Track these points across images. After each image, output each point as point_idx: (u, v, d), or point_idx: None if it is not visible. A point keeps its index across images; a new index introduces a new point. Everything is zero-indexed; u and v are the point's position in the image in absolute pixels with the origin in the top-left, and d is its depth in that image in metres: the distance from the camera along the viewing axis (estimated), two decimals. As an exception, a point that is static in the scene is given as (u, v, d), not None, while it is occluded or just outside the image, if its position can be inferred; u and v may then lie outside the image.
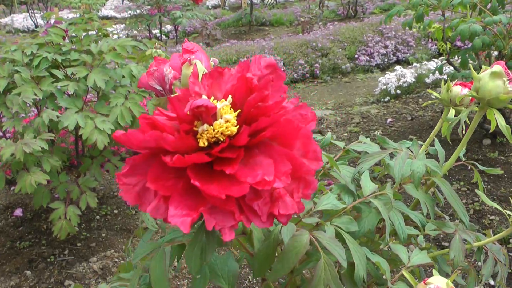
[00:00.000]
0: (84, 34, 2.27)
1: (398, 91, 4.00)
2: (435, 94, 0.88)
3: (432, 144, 0.86)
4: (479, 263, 0.90)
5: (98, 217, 2.42)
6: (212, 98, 0.49)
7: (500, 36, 2.64)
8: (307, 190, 0.47)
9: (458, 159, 0.84)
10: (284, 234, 0.57)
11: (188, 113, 0.46)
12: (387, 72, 4.52)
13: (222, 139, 0.46)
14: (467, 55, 2.71)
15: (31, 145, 1.70)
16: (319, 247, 0.56)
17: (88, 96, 2.04)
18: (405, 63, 5.27)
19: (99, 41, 2.12)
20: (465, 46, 4.05)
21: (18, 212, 2.58)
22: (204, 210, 0.43)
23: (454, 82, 0.85)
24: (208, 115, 0.46)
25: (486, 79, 0.76)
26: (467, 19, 2.63)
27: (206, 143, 0.46)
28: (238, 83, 0.49)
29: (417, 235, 0.75)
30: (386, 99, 3.99)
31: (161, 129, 0.46)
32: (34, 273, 2.08)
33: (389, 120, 3.53)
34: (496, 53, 2.85)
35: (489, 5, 2.60)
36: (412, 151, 0.77)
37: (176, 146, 0.45)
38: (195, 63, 0.63)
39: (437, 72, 3.38)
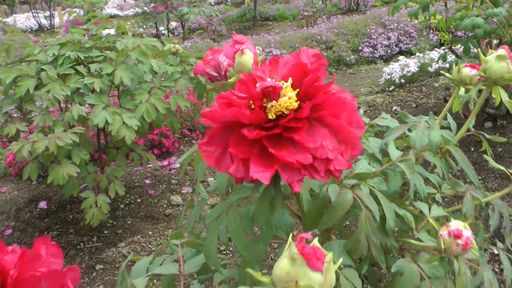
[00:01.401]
0: (104, 32, 2.39)
1: (402, 80, 4.11)
2: (447, 75, 1.00)
3: (445, 118, 0.97)
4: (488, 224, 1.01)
5: (122, 206, 2.54)
6: (273, 80, 0.61)
7: (501, 25, 2.75)
8: (354, 151, 0.59)
9: (468, 130, 0.96)
10: (331, 193, 0.68)
11: (259, 92, 0.57)
12: (390, 63, 4.63)
13: (286, 113, 0.57)
14: (469, 43, 2.81)
15: (64, 138, 1.81)
16: (361, 203, 0.68)
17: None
18: (408, 53, 5.37)
19: (123, 39, 2.22)
20: (465, 36, 4.16)
21: (43, 204, 2.70)
22: (278, 167, 0.54)
23: (463, 64, 0.97)
24: (275, 93, 0.58)
25: (492, 61, 0.87)
26: (469, 10, 2.74)
27: (274, 116, 0.57)
28: (295, 67, 0.60)
29: (435, 194, 0.87)
30: (390, 88, 4.10)
31: (237, 106, 0.57)
32: (65, 259, 2.19)
33: (394, 108, 3.64)
34: (496, 41, 2.95)
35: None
36: (429, 124, 0.89)
37: (251, 119, 0.56)
38: (247, 52, 0.74)
39: (439, 61, 3.49)
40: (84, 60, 2.11)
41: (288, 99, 0.57)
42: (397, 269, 0.73)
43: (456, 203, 2.22)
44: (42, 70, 2.02)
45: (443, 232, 0.72)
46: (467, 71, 0.96)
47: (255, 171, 0.54)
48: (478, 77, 0.94)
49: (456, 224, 0.71)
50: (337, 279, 0.66)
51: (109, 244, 2.26)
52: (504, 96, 0.87)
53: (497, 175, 2.57)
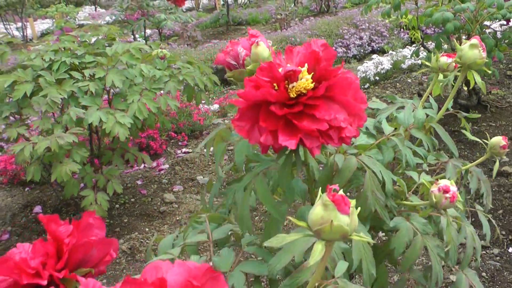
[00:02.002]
0: (93, 39, 2.49)
1: (377, 78, 4.27)
2: (427, 63, 1.14)
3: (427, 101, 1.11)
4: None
5: (117, 205, 2.64)
6: (289, 65, 0.73)
7: (469, 21, 2.93)
8: (360, 121, 0.71)
9: (447, 110, 1.09)
10: (338, 160, 0.80)
11: (282, 75, 0.70)
12: (364, 62, 4.79)
13: (304, 92, 0.69)
14: (440, 39, 2.98)
15: (65, 138, 1.91)
16: (364, 165, 0.80)
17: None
18: (380, 52, 5.55)
19: (113, 44, 2.33)
20: (435, 33, 4.35)
21: (38, 209, 2.78)
22: (301, 136, 0.66)
23: (441, 54, 1.11)
24: (295, 76, 0.69)
25: (466, 49, 1.01)
26: (439, 7, 2.91)
27: (295, 95, 0.69)
28: (309, 55, 0.72)
29: (422, 163, 1.00)
30: (365, 86, 4.26)
31: (264, 87, 0.69)
32: (67, 257, 2.28)
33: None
34: (464, 37, 3.13)
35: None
36: (414, 105, 1.03)
37: (277, 97, 0.68)
38: (261, 44, 0.86)
39: (412, 57, 3.65)
40: (78, 65, 2.21)
41: (306, 81, 0.69)
42: (394, 224, 0.86)
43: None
44: (39, 76, 2.11)
45: (434, 188, 0.85)
46: (444, 59, 1.10)
47: (283, 140, 0.66)
48: (454, 64, 1.07)
49: (444, 182, 0.84)
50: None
51: (107, 242, 2.35)
52: (478, 78, 1.01)
53: (471, 161, 2.75)
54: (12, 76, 2.08)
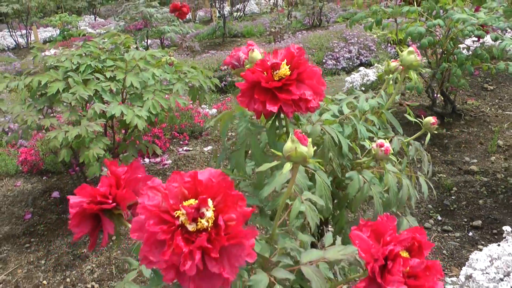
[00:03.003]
0: (111, 46, 2.86)
1: (363, 88, 4.66)
2: (381, 67, 1.51)
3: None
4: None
5: (128, 191, 2.99)
6: (273, 60, 1.10)
7: (442, 37, 3.32)
8: (321, 98, 1.08)
9: (396, 102, 1.46)
10: (308, 128, 1.17)
11: (269, 65, 1.07)
12: (352, 73, 5.18)
13: (283, 77, 1.06)
14: (416, 52, 3.35)
15: (93, 126, 2.28)
16: (325, 131, 1.17)
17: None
18: (368, 65, 5.93)
19: (130, 51, 2.70)
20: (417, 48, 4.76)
21: (56, 194, 3.14)
22: (281, 104, 1.03)
23: (391, 60, 1.48)
24: (277, 66, 1.06)
25: (405, 54, 1.38)
26: (414, 23, 3.29)
27: (277, 78, 1.06)
28: (288, 54, 1.09)
29: (373, 137, 1.36)
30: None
31: (258, 73, 1.06)
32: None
33: (356, 111, 4.17)
34: (440, 50, 3.51)
35: (434, 12, 3.27)
36: (369, 96, 1.40)
37: (266, 79, 1.05)
38: (255, 50, 1.23)
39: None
40: (101, 68, 2.58)
41: (284, 69, 1.06)
42: (349, 175, 1.22)
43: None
44: (68, 76, 2.47)
45: (373, 145, 1.21)
46: (393, 64, 1.47)
47: (270, 106, 1.03)
48: (401, 67, 1.44)
49: (381, 140, 1.21)
50: (314, 178, 1.14)
51: (122, 220, 2.71)
52: (414, 76, 1.38)
53: (443, 161, 3.14)
54: (46, 76, 2.45)
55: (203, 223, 0.76)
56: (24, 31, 11.43)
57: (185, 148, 3.75)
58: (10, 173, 3.56)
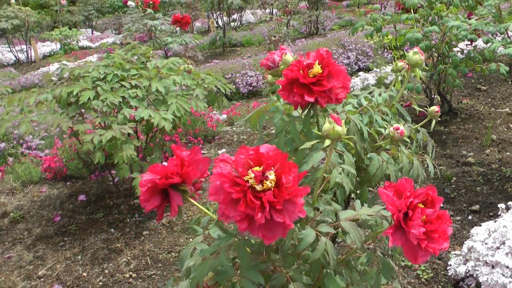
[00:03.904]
0: (134, 56, 3.10)
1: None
2: (389, 67, 1.76)
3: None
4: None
5: (153, 191, 3.22)
6: (308, 61, 1.34)
7: (438, 41, 3.57)
8: (347, 90, 1.32)
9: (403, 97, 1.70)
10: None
11: (305, 65, 1.30)
12: (352, 78, 5.43)
13: (316, 74, 1.29)
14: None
15: (127, 129, 2.51)
16: (350, 119, 1.41)
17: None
18: (366, 70, 6.19)
19: (152, 60, 2.95)
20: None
21: (82, 197, 3.36)
22: (317, 95, 1.27)
23: (399, 61, 1.72)
24: (311, 66, 1.30)
25: (411, 55, 1.62)
26: (412, 29, 3.54)
27: (312, 75, 1.29)
28: (318, 55, 1.33)
29: (387, 124, 1.60)
30: (353, 98, 4.88)
31: (295, 71, 1.30)
32: (116, 230, 2.87)
33: (358, 113, 4.43)
34: (436, 54, 3.77)
35: (430, 18, 3.53)
36: (381, 91, 1.64)
37: (303, 76, 1.28)
38: (287, 53, 1.47)
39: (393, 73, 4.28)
40: (126, 77, 2.82)
41: (317, 68, 1.30)
42: (370, 156, 1.46)
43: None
44: (97, 85, 2.71)
45: (391, 128, 1.46)
46: (400, 64, 1.72)
47: (308, 97, 1.26)
48: (407, 66, 1.69)
49: (396, 124, 1.45)
50: (342, 158, 1.38)
51: (149, 218, 2.95)
52: (419, 72, 1.62)
53: (442, 155, 3.39)
54: (77, 86, 2.68)
55: (268, 184, 0.99)
56: (23, 46, 11.64)
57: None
58: (34, 180, 3.78)
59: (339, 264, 1.25)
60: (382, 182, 1.54)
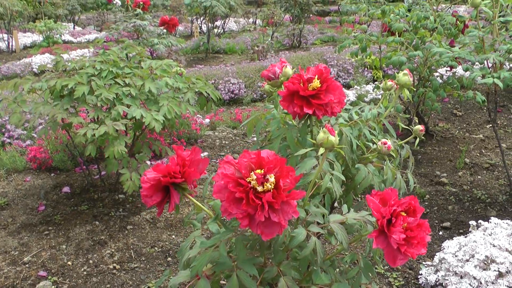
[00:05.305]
0: (130, 55, 3.18)
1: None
2: (380, 86, 1.90)
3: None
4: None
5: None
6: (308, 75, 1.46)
7: (420, 65, 3.74)
8: (342, 105, 1.44)
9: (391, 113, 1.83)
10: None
11: (305, 79, 1.42)
12: (333, 92, 5.57)
13: (315, 88, 1.41)
14: (396, 76, 3.77)
15: (119, 125, 2.60)
16: (343, 131, 1.53)
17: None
18: (346, 87, 6.35)
19: (146, 60, 3.04)
20: (394, 72, 5.21)
21: (66, 189, 3.42)
22: (315, 108, 1.39)
23: (388, 80, 1.86)
24: (311, 80, 1.42)
25: (401, 75, 1.76)
26: (397, 52, 3.71)
27: (311, 88, 1.41)
28: (317, 70, 1.45)
29: (376, 139, 1.73)
30: (334, 113, 5.03)
31: (296, 84, 1.41)
32: (101, 222, 2.94)
33: (338, 127, 4.58)
34: (417, 77, 3.93)
35: (414, 42, 3.70)
36: (371, 107, 1.78)
37: (303, 89, 1.40)
38: (287, 66, 1.59)
39: (373, 92, 4.44)
40: (120, 75, 2.90)
41: (316, 82, 1.42)
42: (358, 166, 1.59)
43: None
44: (92, 80, 2.79)
45: (378, 142, 1.58)
46: (390, 83, 1.85)
47: (306, 109, 1.38)
48: (396, 86, 1.82)
49: (384, 139, 1.58)
50: (332, 166, 1.50)
51: (133, 213, 3.03)
52: (407, 93, 1.76)
53: (417, 174, 3.55)
54: (72, 80, 2.76)
55: (268, 185, 1.11)
56: (4, 35, 11.57)
57: (181, 153, 4.07)
58: (18, 169, 3.82)
59: (324, 263, 1.37)
60: (366, 192, 1.68)
